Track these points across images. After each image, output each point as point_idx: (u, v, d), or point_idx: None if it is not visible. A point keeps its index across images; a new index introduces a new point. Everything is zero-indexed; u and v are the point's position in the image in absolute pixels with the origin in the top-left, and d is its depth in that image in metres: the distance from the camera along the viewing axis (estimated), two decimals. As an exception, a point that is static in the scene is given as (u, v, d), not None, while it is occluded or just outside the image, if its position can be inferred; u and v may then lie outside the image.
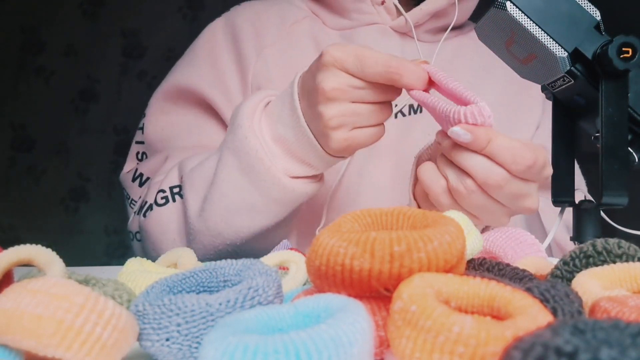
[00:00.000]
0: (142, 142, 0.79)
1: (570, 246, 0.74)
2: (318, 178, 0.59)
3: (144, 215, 0.67)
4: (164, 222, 0.65)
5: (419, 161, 0.56)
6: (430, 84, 0.48)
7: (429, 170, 0.50)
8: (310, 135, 0.53)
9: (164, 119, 0.77)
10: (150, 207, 0.67)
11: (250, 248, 0.61)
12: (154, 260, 0.44)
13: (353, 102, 0.50)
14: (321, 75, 0.50)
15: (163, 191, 0.66)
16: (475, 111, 0.44)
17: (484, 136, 0.44)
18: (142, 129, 0.78)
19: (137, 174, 0.76)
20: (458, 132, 0.44)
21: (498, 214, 0.49)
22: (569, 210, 0.55)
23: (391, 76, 0.48)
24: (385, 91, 0.50)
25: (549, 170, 0.48)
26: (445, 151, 0.48)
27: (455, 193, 0.48)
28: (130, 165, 0.79)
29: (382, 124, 0.53)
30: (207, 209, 0.59)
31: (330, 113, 0.50)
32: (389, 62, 0.48)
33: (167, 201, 0.65)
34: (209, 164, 0.61)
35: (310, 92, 0.52)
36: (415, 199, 0.56)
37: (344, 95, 0.49)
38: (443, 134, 0.47)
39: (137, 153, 0.79)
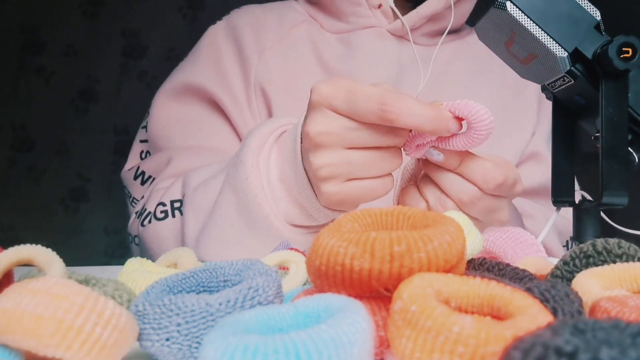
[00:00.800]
0: (145, 141, 0.78)
1: (559, 250, 0.74)
2: (317, 229, 0.54)
3: (142, 224, 0.66)
4: (161, 237, 0.63)
5: (403, 172, 0.54)
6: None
7: (410, 194, 0.50)
8: (306, 182, 0.47)
9: (167, 116, 0.76)
10: (149, 219, 0.65)
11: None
12: None
13: (348, 147, 0.43)
14: (309, 117, 0.44)
15: (163, 204, 0.64)
16: (463, 106, 0.42)
17: (455, 156, 0.45)
18: (145, 127, 0.78)
19: (139, 171, 0.76)
20: (432, 152, 0.45)
21: None
22: (559, 215, 0.55)
23: (385, 115, 0.40)
24: (386, 133, 0.43)
25: (520, 187, 0.49)
26: (425, 170, 0.49)
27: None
28: (132, 163, 0.79)
29: (390, 174, 0.46)
30: (203, 240, 0.56)
31: (318, 162, 0.43)
32: (384, 98, 0.40)
33: (166, 216, 0.63)
34: (212, 188, 0.57)
35: (303, 135, 0.46)
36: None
37: (334, 140, 0.43)
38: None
39: (141, 152, 0.79)
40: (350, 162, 0.43)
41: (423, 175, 0.50)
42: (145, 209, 0.67)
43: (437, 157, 0.45)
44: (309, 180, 0.47)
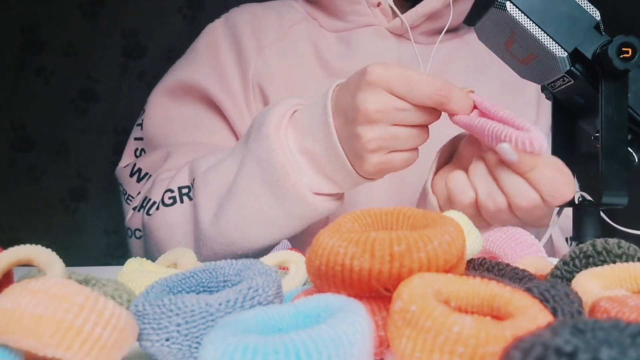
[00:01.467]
0: (140, 139, 0.78)
1: (563, 245, 0.74)
2: (339, 196, 0.58)
3: (148, 213, 0.66)
4: (170, 223, 0.64)
5: (440, 155, 0.55)
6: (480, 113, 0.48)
7: (459, 180, 0.49)
8: (342, 154, 0.51)
9: (164, 114, 0.76)
10: (157, 207, 0.65)
11: (259, 255, 0.60)
12: (154, 259, 0.44)
13: (394, 124, 0.49)
14: (364, 95, 0.48)
15: (171, 191, 0.64)
16: (527, 139, 0.42)
17: (529, 162, 0.44)
18: (140, 125, 0.78)
19: (136, 169, 0.75)
20: (506, 149, 0.43)
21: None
22: (563, 214, 0.55)
23: (439, 99, 0.47)
24: (428, 114, 0.49)
25: None
26: (489, 164, 0.47)
27: (482, 208, 0.47)
28: (127, 160, 0.79)
29: (417, 148, 0.52)
30: (223, 217, 0.58)
31: (369, 135, 0.48)
32: (437, 85, 0.47)
33: (174, 201, 0.63)
34: (226, 168, 0.59)
35: (348, 110, 0.50)
36: (434, 193, 0.54)
37: (386, 117, 0.48)
38: (489, 147, 0.47)
39: (136, 150, 0.79)
40: (396, 137, 0.49)
41: (476, 164, 0.48)
42: (150, 199, 0.66)
43: (511, 156, 0.43)
44: (345, 151, 0.51)
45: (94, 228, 2.47)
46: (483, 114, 0.47)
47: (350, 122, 0.50)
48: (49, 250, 0.27)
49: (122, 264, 0.41)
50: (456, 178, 0.49)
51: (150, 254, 0.67)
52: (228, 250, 0.59)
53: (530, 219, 0.48)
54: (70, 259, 0.33)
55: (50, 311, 0.20)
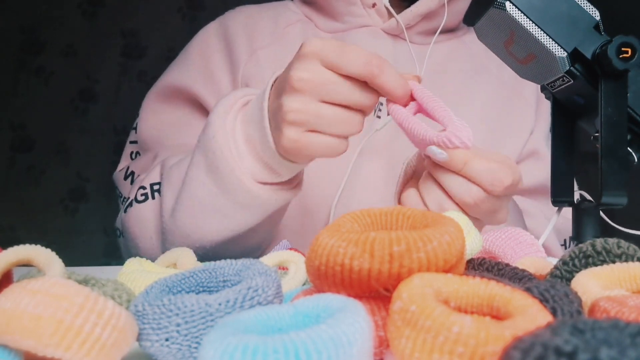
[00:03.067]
0: (135, 142, 0.79)
1: (557, 249, 0.74)
2: (291, 186, 0.55)
3: (125, 211, 0.67)
4: (141, 218, 0.64)
5: (406, 168, 0.54)
6: (413, 100, 0.47)
7: (410, 197, 0.49)
8: (267, 130, 0.49)
9: (156, 118, 0.77)
10: (131, 204, 0.66)
11: (223, 252, 0.58)
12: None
13: (321, 101, 0.46)
14: (296, 64, 0.46)
15: (144, 187, 0.65)
16: (451, 136, 0.43)
17: (460, 157, 0.45)
18: (135, 128, 0.79)
19: (129, 172, 0.76)
20: (434, 151, 0.44)
21: None
22: (561, 215, 0.55)
23: (371, 69, 0.44)
24: (359, 90, 0.46)
25: (520, 185, 0.49)
26: (428, 169, 0.48)
27: None
28: (123, 164, 0.80)
29: (346, 138, 0.48)
30: (177, 209, 0.57)
31: (290, 105, 0.45)
32: (371, 56, 0.45)
33: (146, 198, 0.64)
34: (186, 162, 0.59)
35: (280, 83, 0.48)
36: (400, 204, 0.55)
37: (312, 88, 0.45)
38: (421, 148, 0.47)
39: (132, 153, 0.80)
40: (318, 114, 0.46)
41: (425, 177, 0.49)
42: (129, 198, 0.67)
43: (440, 155, 0.44)
44: (271, 126, 0.49)
45: (94, 228, 2.47)
46: (420, 106, 0.47)
47: (278, 94, 0.48)
48: (49, 250, 0.27)
49: (121, 264, 0.41)
50: (409, 196, 0.50)
51: (129, 252, 0.68)
52: (186, 243, 0.58)
53: (484, 215, 0.48)
54: (70, 259, 0.34)
55: (49, 311, 0.20)
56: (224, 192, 0.53)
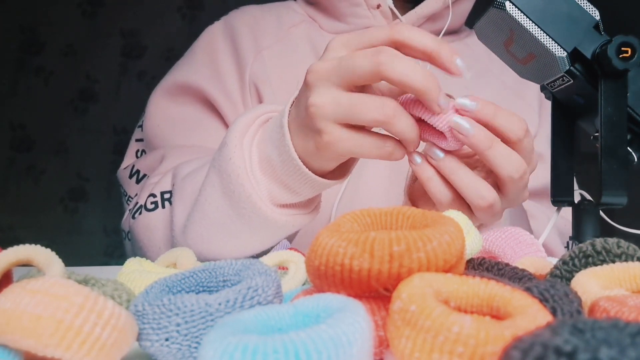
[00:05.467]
0: (141, 140, 0.79)
1: (560, 251, 0.74)
2: (309, 209, 0.53)
3: (133, 217, 0.66)
4: (151, 227, 0.63)
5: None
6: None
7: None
8: (292, 150, 0.46)
9: (163, 116, 0.77)
10: (140, 211, 0.65)
11: None
12: None
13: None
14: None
15: (154, 195, 0.63)
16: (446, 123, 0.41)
17: (489, 108, 0.42)
18: (141, 126, 0.78)
19: (134, 170, 0.76)
20: (464, 102, 0.42)
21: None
22: (560, 216, 0.55)
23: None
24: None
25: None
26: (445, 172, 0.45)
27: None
28: (127, 161, 0.79)
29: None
30: (189, 227, 0.55)
31: (320, 100, 0.42)
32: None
33: (156, 207, 0.63)
34: (200, 175, 0.56)
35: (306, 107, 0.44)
36: (410, 199, 0.54)
37: (334, 74, 0.42)
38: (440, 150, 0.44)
39: (137, 151, 0.79)
40: (354, 103, 0.42)
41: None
42: (137, 203, 0.66)
43: (471, 105, 0.42)
44: (298, 146, 0.46)
45: (94, 228, 2.47)
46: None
47: (302, 103, 0.45)
48: (49, 250, 0.27)
49: (121, 264, 0.41)
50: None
51: (135, 255, 0.67)
52: (197, 259, 0.57)
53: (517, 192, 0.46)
54: (70, 259, 0.33)
55: (49, 311, 0.20)
56: (240, 216, 0.51)
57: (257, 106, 0.54)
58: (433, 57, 0.41)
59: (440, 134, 0.43)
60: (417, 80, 0.39)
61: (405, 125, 0.41)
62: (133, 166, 0.76)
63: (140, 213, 0.65)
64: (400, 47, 0.42)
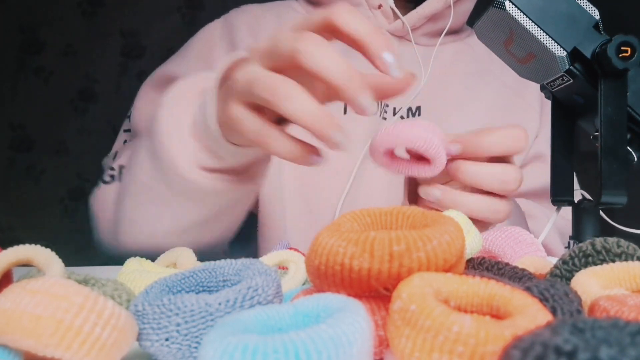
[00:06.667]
0: (129, 130, 0.79)
1: (561, 251, 0.74)
2: (241, 177, 0.51)
3: (93, 195, 0.65)
4: (103, 200, 0.62)
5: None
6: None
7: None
8: (212, 115, 0.44)
9: (149, 107, 0.76)
10: (99, 184, 0.64)
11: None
12: None
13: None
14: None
15: (112, 169, 0.63)
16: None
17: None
18: (129, 117, 0.79)
19: (115, 154, 0.76)
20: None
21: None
22: (560, 216, 0.55)
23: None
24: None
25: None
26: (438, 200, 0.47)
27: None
28: (113, 150, 0.79)
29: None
30: (126, 197, 0.54)
31: (239, 75, 0.40)
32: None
33: (113, 179, 0.62)
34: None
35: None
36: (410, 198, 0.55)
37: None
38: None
39: (125, 141, 0.79)
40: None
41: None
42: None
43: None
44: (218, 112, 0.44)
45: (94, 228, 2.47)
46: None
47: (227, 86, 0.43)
48: (48, 250, 0.27)
49: (121, 263, 0.41)
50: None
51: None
52: (134, 233, 0.55)
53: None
54: (70, 259, 0.33)
55: (49, 311, 0.20)
56: (163, 177, 0.50)
57: (201, 72, 0.53)
58: (361, 47, 0.38)
59: (424, 163, 0.44)
60: (333, 73, 0.36)
61: (297, 108, 0.36)
62: (116, 153, 0.76)
63: (98, 186, 0.64)
64: (334, 31, 0.39)
